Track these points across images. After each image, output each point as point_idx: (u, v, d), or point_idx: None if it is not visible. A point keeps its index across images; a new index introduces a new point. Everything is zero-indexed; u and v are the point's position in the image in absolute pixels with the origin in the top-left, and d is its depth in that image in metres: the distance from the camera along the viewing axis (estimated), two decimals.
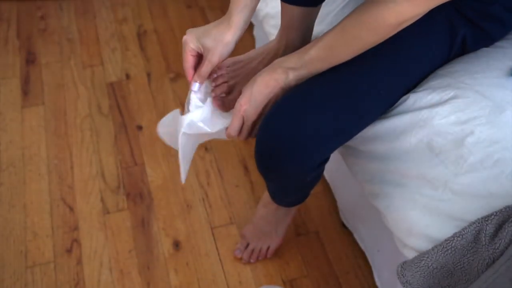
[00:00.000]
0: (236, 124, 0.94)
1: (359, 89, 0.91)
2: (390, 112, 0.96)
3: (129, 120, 1.62)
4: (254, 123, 0.95)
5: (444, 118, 0.89)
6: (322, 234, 1.38)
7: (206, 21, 1.93)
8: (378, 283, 1.23)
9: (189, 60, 0.96)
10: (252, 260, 1.31)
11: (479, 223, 0.83)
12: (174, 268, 1.31)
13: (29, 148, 1.54)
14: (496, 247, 0.80)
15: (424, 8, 0.79)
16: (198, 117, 0.94)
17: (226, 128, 0.96)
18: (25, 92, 1.69)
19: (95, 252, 1.33)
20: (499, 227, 0.81)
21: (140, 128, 1.60)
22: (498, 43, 0.99)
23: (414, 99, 0.93)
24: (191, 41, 0.94)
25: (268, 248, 1.31)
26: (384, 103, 0.95)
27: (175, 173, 1.49)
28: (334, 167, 1.28)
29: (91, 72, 1.76)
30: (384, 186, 0.96)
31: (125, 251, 1.34)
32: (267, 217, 1.27)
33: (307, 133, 0.89)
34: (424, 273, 0.88)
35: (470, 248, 0.84)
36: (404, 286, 0.92)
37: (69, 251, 1.33)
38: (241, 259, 1.32)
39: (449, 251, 0.85)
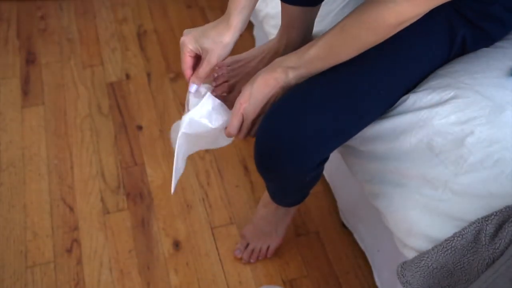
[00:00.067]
0: (236, 123, 0.94)
1: (359, 89, 0.91)
2: (390, 112, 0.96)
3: (129, 120, 1.62)
4: (254, 122, 0.95)
5: (444, 118, 0.88)
6: (322, 234, 1.38)
7: (206, 21, 1.92)
8: (378, 283, 1.23)
9: (187, 61, 0.95)
10: (252, 260, 1.31)
11: (479, 223, 0.83)
12: (174, 268, 1.31)
13: (29, 148, 1.54)
14: (496, 247, 0.80)
15: (424, 8, 0.79)
16: (198, 114, 0.94)
17: (226, 128, 0.96)
18: (25, 92, 1.69)
19: (95, 252, 1.33)
20: (499, 227, 0.81)
21: (140, 128, 1.60)
22: (498, 43, 0.99)
23: (414, 99, 0.93)
24: (189, 42, 0.94)
25: (268, 248, 1.31)
26: (384, 103, 0.95)
27: None
28: (334, 167, 1.28)
29: (91, 72, 1.76)
30: (384, 186, 0.96)
31: (125, 251, 1.34)
32: (267, 217, 1.27)
33: (307, 133, 0.89)
34: (424, 273, 0.88)
35: (470, 248, 0.84)
36: (404, 286, 0.92)
37: (69, 251, 1.33)
38: (241, 259, 1.32)
39: (449, 251, 0.85)
